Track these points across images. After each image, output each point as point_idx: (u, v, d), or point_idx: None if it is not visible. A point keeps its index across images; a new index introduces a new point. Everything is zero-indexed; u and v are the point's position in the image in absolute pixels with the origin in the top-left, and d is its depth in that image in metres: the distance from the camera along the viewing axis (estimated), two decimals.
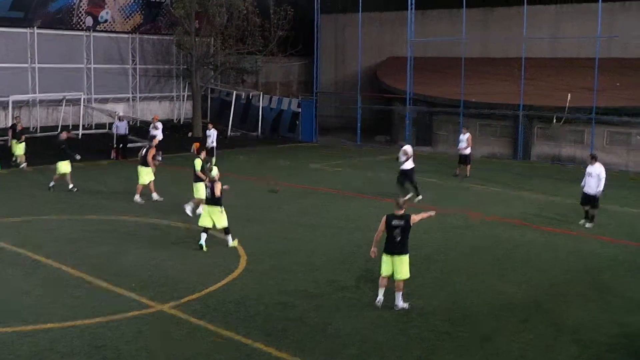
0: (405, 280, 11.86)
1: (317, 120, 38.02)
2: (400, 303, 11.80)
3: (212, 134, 27.85)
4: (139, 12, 39.35)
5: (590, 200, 17.92)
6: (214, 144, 27.67)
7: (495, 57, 37.07)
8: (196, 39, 36.49)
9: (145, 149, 20.47)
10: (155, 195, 20.26)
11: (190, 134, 37.06)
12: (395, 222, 11.81)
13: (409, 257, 11.93)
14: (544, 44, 35.06)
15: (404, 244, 11.84)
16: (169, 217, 18.26)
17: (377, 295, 11.99)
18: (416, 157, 21.86)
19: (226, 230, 15.58)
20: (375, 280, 12.44)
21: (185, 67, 40.67)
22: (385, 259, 11.89)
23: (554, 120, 29.70)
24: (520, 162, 30.49)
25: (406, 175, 21.07)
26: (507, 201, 21.65)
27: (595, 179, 17.66)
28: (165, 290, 12.55)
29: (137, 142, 31.08)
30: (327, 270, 14.02)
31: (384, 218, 11.98)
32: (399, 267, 11.77)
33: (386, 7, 41.76)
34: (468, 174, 25.82)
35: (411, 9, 34.38)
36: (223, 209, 15.41)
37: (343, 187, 23.47)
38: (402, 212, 11.91)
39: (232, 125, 39.50)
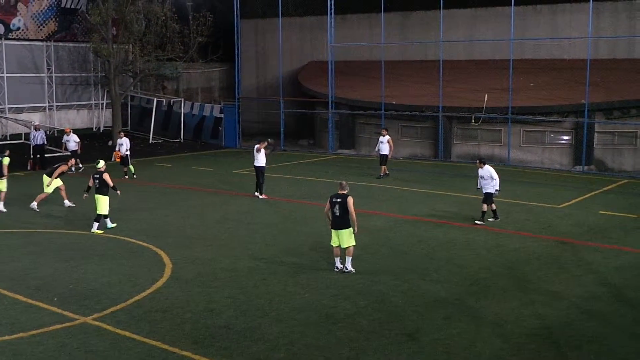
0: (353, 247, 14.10)
1: (240, 126, 37.87)
2: (349, 266, 14.10)
3: (124, 142, 27.05)
4: (53, 19, 38.39)
5: (489, 199, 18.85)
6: (128, 153, 26.96)
7: (414, 60, 37.73)
8: (114, 46, 35.80)
9: (59, 165, 21.06)
10: (67, 202, 20.96)
11: (110, 143, 36.32)
12: (334, 200, 14.04)
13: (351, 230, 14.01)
14: (460, 47, 35.91)
15: (343, 219, 13.95)
16: (86, 229, 17.89)
17: (334, 266, 14.28)
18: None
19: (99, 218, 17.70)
20: (302, 282, 13.47)
21: (103, 74, 39.87)
22: (332, 232, 14.21)
23: (472, 121, 30.45)
24: (442, 163, 31.11)
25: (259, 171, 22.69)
26: (429, 201, 22.06)
27: (489, 180, 18.72)
28: (88, 303, 12.28)
29: (54, 152, 30.29)
30: (252, 276, 13.99)
31: (329, 197, 14.18)
32: (343, 238, 14.03)
33: (306, 12, 41.98)
34: (385, 172, 26.42)
35: (331, 13, 34.69)
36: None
37: (266, 191, 23.42)
38: (344, 192, 14.12)
39: (153, 132, 38.99)
